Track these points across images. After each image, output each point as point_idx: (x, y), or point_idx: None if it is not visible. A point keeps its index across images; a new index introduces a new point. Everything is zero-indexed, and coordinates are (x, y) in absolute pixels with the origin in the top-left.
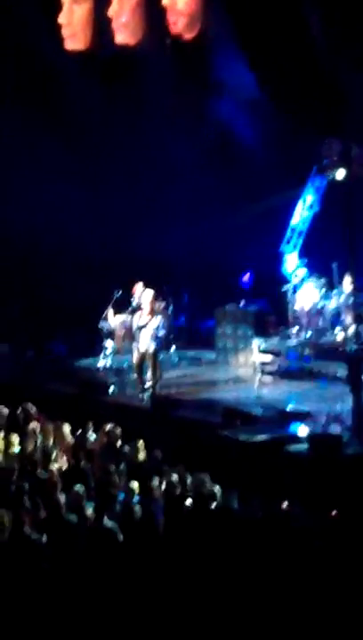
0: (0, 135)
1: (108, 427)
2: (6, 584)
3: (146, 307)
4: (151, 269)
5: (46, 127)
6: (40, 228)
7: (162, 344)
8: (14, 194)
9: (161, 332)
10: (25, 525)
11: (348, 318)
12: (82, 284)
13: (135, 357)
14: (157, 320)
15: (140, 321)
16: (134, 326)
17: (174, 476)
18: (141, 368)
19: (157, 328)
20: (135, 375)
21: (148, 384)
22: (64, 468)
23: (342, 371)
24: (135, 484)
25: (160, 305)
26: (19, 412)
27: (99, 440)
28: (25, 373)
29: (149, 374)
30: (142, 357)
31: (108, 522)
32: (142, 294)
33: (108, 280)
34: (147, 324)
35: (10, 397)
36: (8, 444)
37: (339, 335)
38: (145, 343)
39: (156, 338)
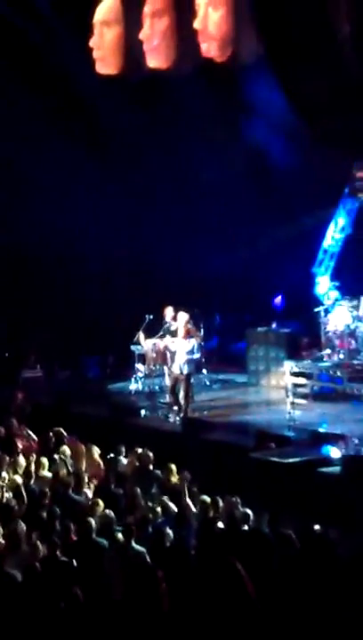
0: (38, 158)
1: (140, 450)
2: (38, 608)
3: (181, 330)
4: (183, 291)
5: (82, 150)
6: (74, 251)
7: (196, 367)
8: (49, 217)
9: (196, 355)
10: (56, 549)
11: None
12: (113, 306)
13: (169, 380)
14: (191, 343)
15: (175, 344)
16: (169, 349)
17: (206, 499)
18: (174, 391)
19: (191, 351)
20: (169, 398)
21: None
22: (91, 494)
23: None
24: (166, 508)
25: (194, 328)
26: (50, 435)
27: (130, 463)
28: (57, 396)
29: (181, 397)
30: (176, 380)
31: (136, 546)
32: (177, 317)
33: (139, 302)
34: (181, 346)
35: (43, 420)
36: (38, 467)
37: None
38: (178, 366)
39: (190, 361)
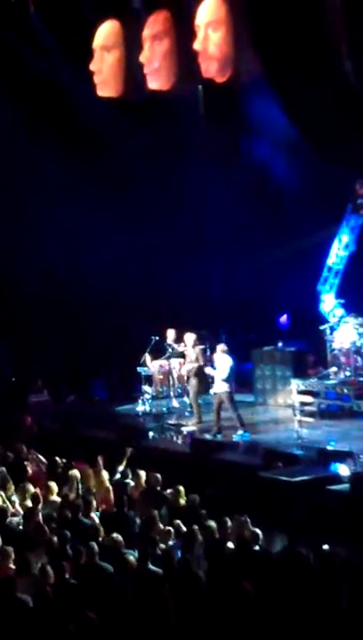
0: (38, 181)
1: (145, 473)
2: (49, 633)
3: (191, 352)
4: (188, 313)
5: (84, 173)
6: (78, 275)
7: (231, 387)
8: (53, 241)
9: (221, 374)
10: (65, 573)
11: None
12: (118, 329)
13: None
14: (222, 363)
15: (188, 366)
16: (181, 371)
17: (212, 525)
18: (218, 410)
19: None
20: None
21: (189, 427)
22: (97, 518)
23: None
24: (176, 529)
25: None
26: (58, 460)
27: (138, 485)
28: (64, 420)
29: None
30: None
31: (153, 567)
32: (185, 339)
33: (144, 325)
34: (196, 368)
35: (50, 444)
36: (47, 491)
37: None
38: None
39: (219, 379)
